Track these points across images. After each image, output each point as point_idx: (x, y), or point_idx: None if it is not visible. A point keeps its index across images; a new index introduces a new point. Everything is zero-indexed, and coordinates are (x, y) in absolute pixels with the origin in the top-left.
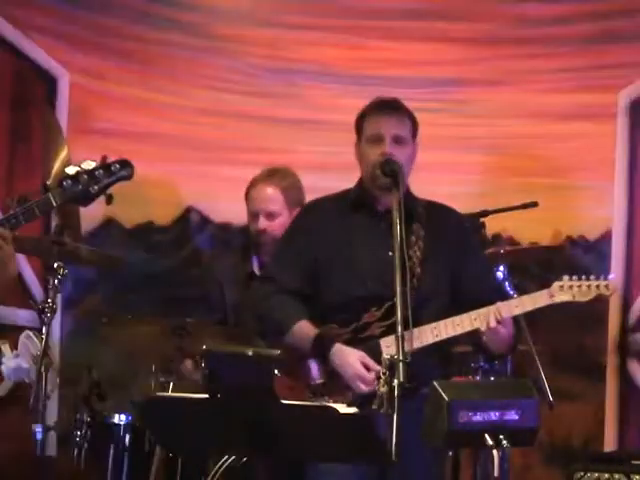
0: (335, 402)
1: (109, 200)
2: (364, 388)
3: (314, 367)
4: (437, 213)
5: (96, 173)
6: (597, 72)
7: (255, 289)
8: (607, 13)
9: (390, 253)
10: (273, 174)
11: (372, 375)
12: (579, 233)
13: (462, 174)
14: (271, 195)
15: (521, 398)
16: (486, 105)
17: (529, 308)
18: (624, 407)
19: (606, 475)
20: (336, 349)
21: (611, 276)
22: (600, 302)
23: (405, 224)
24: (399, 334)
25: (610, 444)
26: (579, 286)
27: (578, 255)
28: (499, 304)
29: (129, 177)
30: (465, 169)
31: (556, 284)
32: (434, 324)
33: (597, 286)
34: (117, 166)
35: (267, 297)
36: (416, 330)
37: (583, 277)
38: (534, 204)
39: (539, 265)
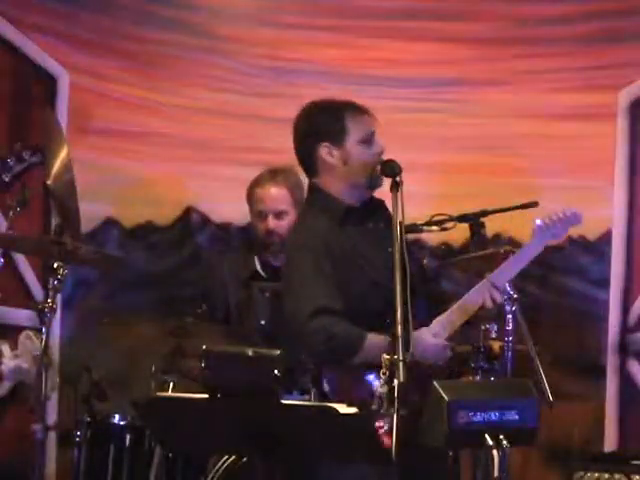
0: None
1: (24, 202)
2: (447, 353)
3: (374, 379)
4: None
5: (8, 160)
6: (597, 72)
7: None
8: (607, 13)
9: (390, 249)
10: (277, 173)
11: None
12: (579, 233)
13: (461, 174)
14: (279, 194)
15: (521, 398)
16: (486, 105)
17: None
18: (624, 407)
19: (606, 475)
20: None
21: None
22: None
23: (386, 223)
24: (399, 334)
25: (610, 444)
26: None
27: (578, 255)
28: (490, 276)
29: (40, 163)
30: (464, 169)
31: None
32: (449, 311)
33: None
34: (28, 153)
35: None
36: (442, 319)
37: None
38: (534, 204)
39: (539, 265)
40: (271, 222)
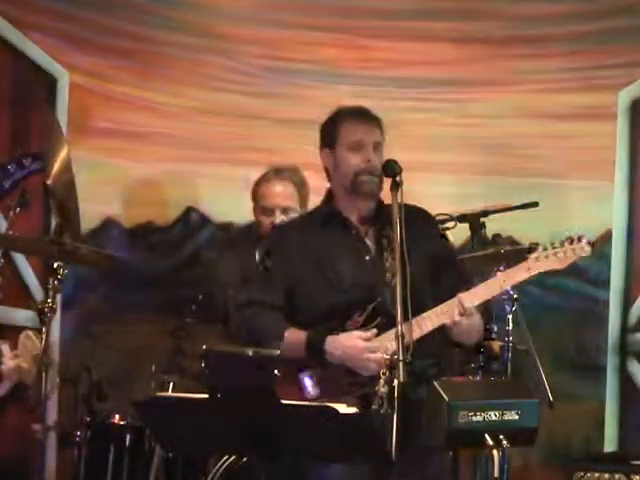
0: None
1: (24, 203)
2: (374, 365)
3: (308, 381)
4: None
5: (8, 167)
6: (597, 72)
7: (237, 317)
8: (607, 13)
9: (367, 257)
10: (283, 171)
11: (376, 344)
12: (579, 233)
13: (462, 174)
14: (285, 191)
15: (521, 398)
16: (486, 105)
17: (496, 292)
18: (624, 407)
19: (606, 475)
20: (330, 340)
21: (585, 239)
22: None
23: (383, 231)
24: (399, 334)
25: (610, 444)
26: (555, 254)
27: None
28: (461, 295)
29: (41, 170)
30: (465, 169)
31: (532, 256)
32: (411, 321)
33: (574, 250)
34: (29, 160)
35: (251, 319)
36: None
37: (557, 244)
38: (534, 204)
39: None
40: (278, 218)
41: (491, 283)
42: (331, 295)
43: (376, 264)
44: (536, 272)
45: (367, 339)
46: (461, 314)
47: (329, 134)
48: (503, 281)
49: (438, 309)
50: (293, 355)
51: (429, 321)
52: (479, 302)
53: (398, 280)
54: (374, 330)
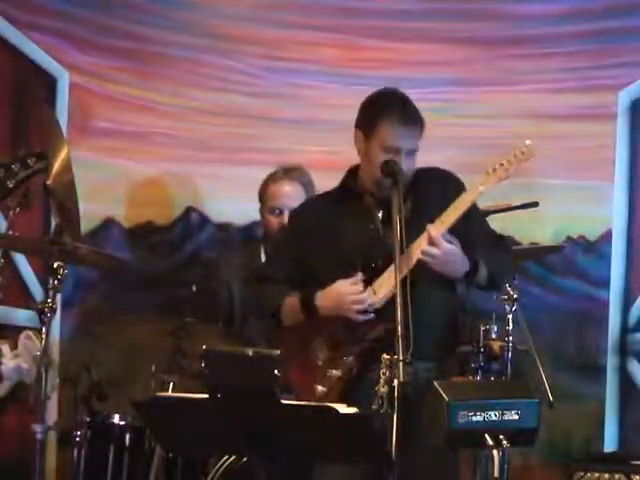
0: (341, 372)
1: (26, 203)
2: (360, 307)
3: (317, 347)
4: (423, 181)
5: (12, 166)
6: (597, 72)
7: (244, 294)
8: (607, 13)
9: (372, 226)
10: (292, 171)
11: (361, 286)
12: (579, 233)
13: (461, 174)
14: (294, 191)
15: (521, 398)
16: (486, 105)
17: (460, 212)
18: (624, 407)
19: (606, 475)
20: (319, 294)
21: (527, 142)
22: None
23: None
24: (399, 334)
25: (610, 444)
26: (500, 165)
27: (578, 255)
28: (428, 225)
29: (45, 170)
30: (464, 169)
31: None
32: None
33: (515, 155)
34: (33, 159)
35: (253, 294)
36: (386, 274)
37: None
38: (534, 204)
39: (539, 265)
40: (286, 218)
41: (452, 208)
42: (335, 267)
43: (378, 232)
44: (484, 190)
45: (354, 283)
46: (430, 243)
47: (368, 121)
48: (461, 203)
49: (412, 246)
50: (293, 320)
51: (418, 249)
52: (446, 228)
53: (397, 279)
54: (360, 274)
